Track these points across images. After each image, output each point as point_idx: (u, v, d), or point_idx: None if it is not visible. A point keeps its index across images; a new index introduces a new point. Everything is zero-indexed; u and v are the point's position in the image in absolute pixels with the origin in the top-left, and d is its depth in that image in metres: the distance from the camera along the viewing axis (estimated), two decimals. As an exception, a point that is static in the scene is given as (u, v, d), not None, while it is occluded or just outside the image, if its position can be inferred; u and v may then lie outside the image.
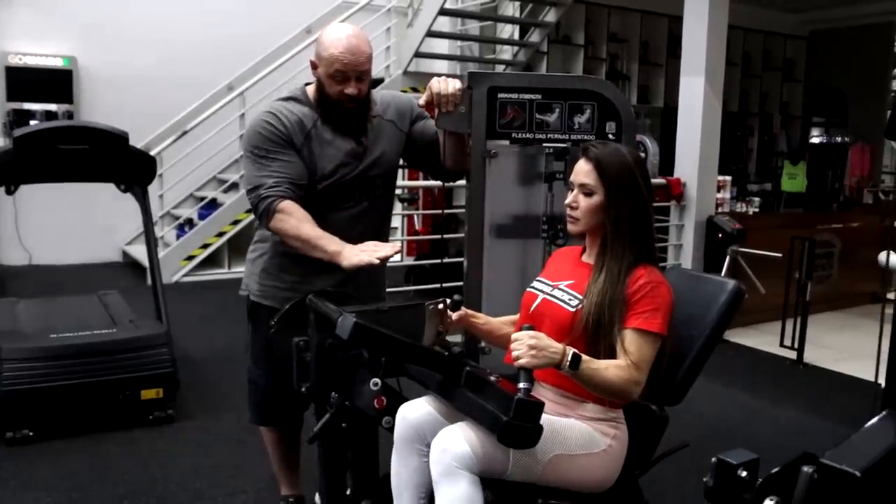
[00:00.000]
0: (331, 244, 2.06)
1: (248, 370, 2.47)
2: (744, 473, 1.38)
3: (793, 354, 4.96)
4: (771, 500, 1.35)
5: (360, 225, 2.27)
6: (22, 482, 2.87)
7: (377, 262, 1.97)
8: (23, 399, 3.13)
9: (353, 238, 2.16)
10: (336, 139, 2.21)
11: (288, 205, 2.10)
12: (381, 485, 1.94)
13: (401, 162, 2.44)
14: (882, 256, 1.98)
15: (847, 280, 6.24)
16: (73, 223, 6.82)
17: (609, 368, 1.70)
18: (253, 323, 2.40)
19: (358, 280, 2.18)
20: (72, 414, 3.29)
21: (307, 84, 2.30)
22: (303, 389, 1.96)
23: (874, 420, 1.44)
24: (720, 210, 5.70)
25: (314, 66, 2.19)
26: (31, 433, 3.17)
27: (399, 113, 2.35)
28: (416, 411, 1.81)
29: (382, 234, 2.42)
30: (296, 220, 2.10)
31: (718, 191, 5.72)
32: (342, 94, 2.15)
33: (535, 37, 7.78)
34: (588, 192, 1.84)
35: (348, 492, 2.07)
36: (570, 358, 1.62)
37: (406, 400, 1.86)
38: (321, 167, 2.19)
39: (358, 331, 1.60)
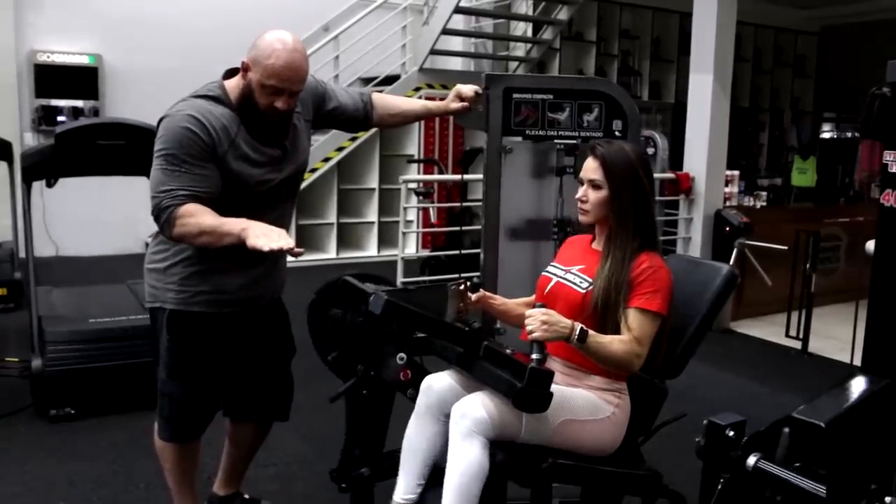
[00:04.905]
0: (235, 225, 1.93)
1: (161, 384, 2.30)
2: (731, 433, 1.56)
3: (798, 344, 5.09)
4: (754, 456, 1.53)
5: (285, 218, 2.27)
6: (66, 455, 3.08)
7: (274, 249, 1.83)
8: (65, 379, 3.35)
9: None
10: (263, 147, 2.12)
11: (186, 207, 1.96)
12: (384, 459, 2.09)
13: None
14: (869, 245, 2.12)
15: (854, 273, 6.33)
16: (98, 216, 7.01)
17: (613, 342, 1.87)
18: (173, 334, 2.22)
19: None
20: (110, 393, 3.48)
21: (226, 77, 2.17)
22: (329, 358, 2.12)
23: (847, 381, 1.60)
24: (728, 204, 5.81)
25: (246, 67, 2.05)
26: (72, 411, 3.38)
27: (301, 102, 2.24)
28: (440, 382, 1.99)
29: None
30: (196, 217, 1.96)
31: (726, 185, 5.83)
32: (271, 107, 2.03)
33: (547, 34, 7.91)
34: (596, 187, 2.02)
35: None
36: (577, 332, 1.80)
37: (429, 373, 2.04)
38: (252, 175, 2.10)
39: (389, 307, 1.78)
